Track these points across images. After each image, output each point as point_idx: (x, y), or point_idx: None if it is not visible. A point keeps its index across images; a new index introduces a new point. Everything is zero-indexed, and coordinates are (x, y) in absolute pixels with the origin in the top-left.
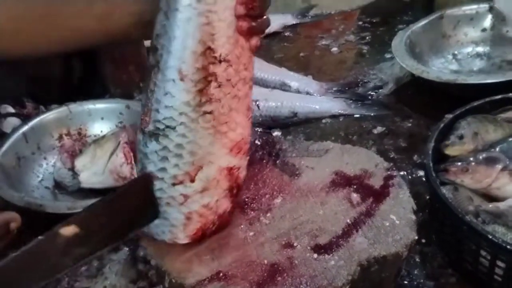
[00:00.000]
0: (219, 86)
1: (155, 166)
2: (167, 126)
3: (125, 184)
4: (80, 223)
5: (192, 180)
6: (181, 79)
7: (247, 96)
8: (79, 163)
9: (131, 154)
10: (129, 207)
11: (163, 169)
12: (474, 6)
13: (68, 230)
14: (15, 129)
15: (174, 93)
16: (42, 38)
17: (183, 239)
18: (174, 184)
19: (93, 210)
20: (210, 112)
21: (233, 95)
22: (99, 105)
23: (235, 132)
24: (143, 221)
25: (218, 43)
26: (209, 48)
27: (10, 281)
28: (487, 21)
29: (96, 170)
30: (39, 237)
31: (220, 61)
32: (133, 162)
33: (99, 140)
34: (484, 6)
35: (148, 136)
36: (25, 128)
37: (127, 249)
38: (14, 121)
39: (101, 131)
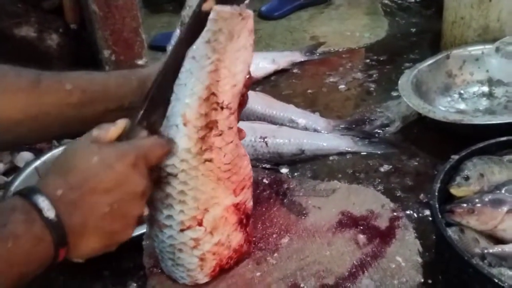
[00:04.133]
0: (220, 135)
1: (162, 214)
2: (169, 174)
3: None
4: None
5: (200, 224)
6: (185, 124)
7: (240, 145)
8: None
9: None
10: None
11: (169, 217)
12: (480, 47)
13: (209, 5)
14: (27, 164)
15: (176, 139)
16: (22, 127)
17: (202, 279)
18: (182, 230)
19: None
20: (210, 160)
21: (235, 144)
22: None
23: (237, 175)
24: None
25: (221, 90)
26: (213, 93)
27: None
28: (493, 61)
29: None
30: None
31: (222, 108)
32: None
33: None
34: (490, 47)
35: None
36: (38, 162)
37: (135, 285)
38: (27, 155)
39: None
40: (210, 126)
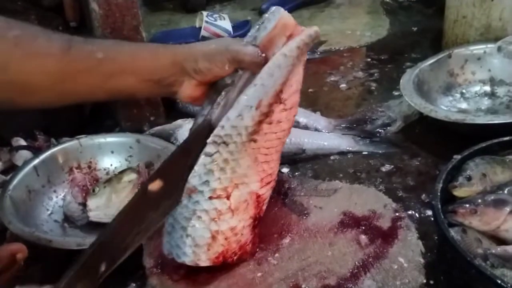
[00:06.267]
0: (270, 123)
1: (200, 179)
2: (224, 142)
3: (191, 133)
4: (163, 176)
5: (228, 197)
6: (257, 108)
7: (283, 143)
8: (93, 204)
9: None
10: (198, 151)
11: (205, 182)
12: (482, 46)
13: (155, 185)
14: (26, 162)
15: (245, 117)
16: (49, 90)
17: (205, 261)
18: (211, 198)
19: (173, 160)
20: (255, 141)
21: (276, 137)
22: (110, 139)
23: (268, 165)
24: None
25: (287, 85)
26: (282, 90)
27: (116, 240)
28: (495, 61)
29: (108, 212)
30: (133, 197)
31: (280, 102)
32: None
33: (114, 183)
34: (492, 46)
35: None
36: (36, 161)
37: (135, 285)
38: (25, 154)
39: (111, 165)
40: (268, 114)
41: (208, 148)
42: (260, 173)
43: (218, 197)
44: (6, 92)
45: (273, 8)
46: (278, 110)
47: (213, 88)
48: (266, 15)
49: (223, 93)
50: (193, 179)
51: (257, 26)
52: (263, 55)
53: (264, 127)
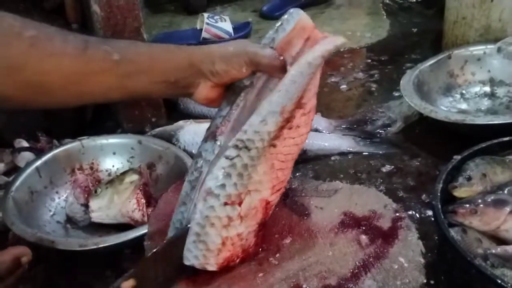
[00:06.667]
0: (290, 128)
1: (217, 181)
2: (245, 146)
3: (173, 236)
4: (137, 276)
5: (240, 204)
6: (280, 113)
7: (299, 149)
8: (95, 205)
9: (143, 200)
10: (178, 254)
11: (222, 186)
12: (482, 47)
13: (128, 284)
14: (28, 164)
15: (269, 122)
16: (64, 91)
17: (212, 266)
18: (226, 204)
19: (147, 262)
20: (275, 146)
21: (295, 142)
22: (111, 140)
23: (283, 172)
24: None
25: (306, 90)
26: (303, 96)
27: None
28: (494, 62)
29: (109, 212)
30: None
31: (301, 107)
32: (144, 209)
33: (116, 184)
34: (491, 47)
35: (221, 151)
36: (39, 162)
37: None
38: (28, 155)
39: (113, 166)
40: (290, 119)
41: (229, 152)
42: (274, 180)
43: (232, 203)
44: (21, 92)
45: (292, 10)
46: (299, 115)
47: (230, 90)
48: (285, 16)
49: (242, 94)
50: (211, 181)
51: (275, 28)
52: (281, 58)
53: (284, 132)
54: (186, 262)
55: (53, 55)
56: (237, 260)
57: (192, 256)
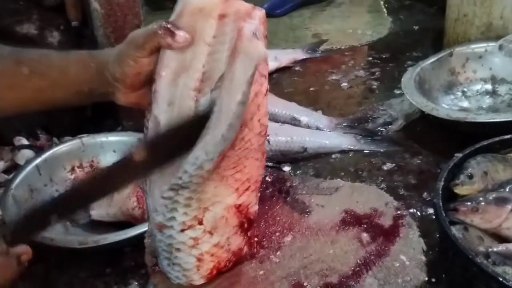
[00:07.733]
0: (233, 148)
1: (164, 216)
2: (183, 187)
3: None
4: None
5: (200, 222)
6: (218, 157)
7: (260, 146)
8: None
9: (144, 198)
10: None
11: (172, 218)
12: (483, 44)
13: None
14: (28, 161)
15: (205, 166)
16: None
17: (198, 280)
18: (183, 230)
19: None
20: (219, 167)
21: (243, 149)
22: (111, 138)
23: (241, 173)
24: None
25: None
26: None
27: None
28: (496, 59)
29: (110, 210)
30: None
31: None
32: (144, 206)
33: None
34: (493, 45)
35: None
36: (38, 160)
37: (137, 283)
38: (27, 153)
39: None
40: (231, 146)
41: (167, 194)
42: (233, 185)
43: (190, 227)
44: None
45: None
46: (241, 135)
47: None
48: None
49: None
50: (158, 217)
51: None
52: (163, 23)
53: (227, 153)
54: (173, 281)
55: None
56: (231, 264)
57: (174, 276)
